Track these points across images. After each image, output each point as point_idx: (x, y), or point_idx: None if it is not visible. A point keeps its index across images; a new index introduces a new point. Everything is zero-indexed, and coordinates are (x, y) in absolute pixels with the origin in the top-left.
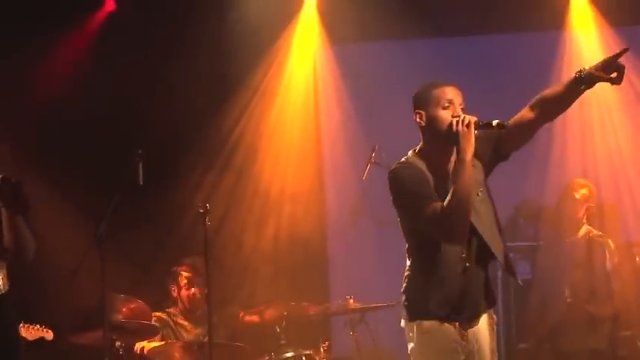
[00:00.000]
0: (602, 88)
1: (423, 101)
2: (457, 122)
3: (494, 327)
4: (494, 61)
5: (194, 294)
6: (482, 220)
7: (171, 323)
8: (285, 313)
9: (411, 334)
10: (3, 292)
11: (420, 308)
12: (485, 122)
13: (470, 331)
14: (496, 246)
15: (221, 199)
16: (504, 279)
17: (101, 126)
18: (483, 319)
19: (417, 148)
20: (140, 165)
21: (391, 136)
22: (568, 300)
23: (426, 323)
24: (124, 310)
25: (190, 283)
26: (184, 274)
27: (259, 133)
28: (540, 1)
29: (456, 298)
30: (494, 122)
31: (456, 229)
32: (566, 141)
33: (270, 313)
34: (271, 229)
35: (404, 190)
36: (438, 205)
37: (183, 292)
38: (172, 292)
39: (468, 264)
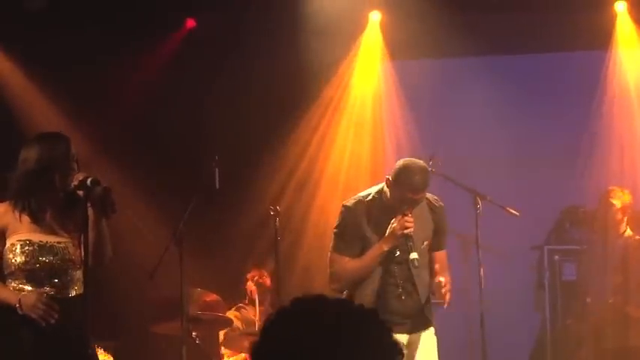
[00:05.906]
0: None
1: (397, 183)
2: (397, 220)
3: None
4: (542, 79)
5: (265, 293)
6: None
7: (242, 317)
8: None
9: None
10: (78, 294)
11: None
12: (410, 239)
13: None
14: (422, 287)
15: (291, 203)
16: (551, 280)
17: (181, 134)
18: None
19: (381, 190)
20: (216, 170)
21: (445, 145)
22: (610, 301)
23: None
24: (200, 302)
25: (262, 284)
26: (263, 276)
27: (328, 140)
28: (587, 22)
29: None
30: (411, 256)
31: (339, 285)
32: (610, 147)
33: None
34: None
35: (338, 227)
36: (346, 260)
37: (254, 290)
38: (247, 288)
39: (402, 295)
